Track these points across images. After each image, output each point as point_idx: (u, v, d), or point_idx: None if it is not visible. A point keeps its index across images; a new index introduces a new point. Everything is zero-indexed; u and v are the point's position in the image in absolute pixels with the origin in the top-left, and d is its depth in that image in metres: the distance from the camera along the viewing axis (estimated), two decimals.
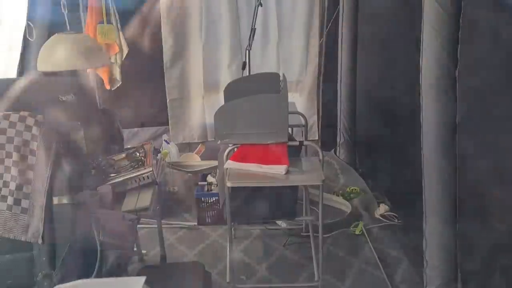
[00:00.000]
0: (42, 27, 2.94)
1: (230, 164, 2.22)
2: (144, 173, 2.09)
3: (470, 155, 1.84)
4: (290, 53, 3.77)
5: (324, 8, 3.66)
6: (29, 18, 3.05)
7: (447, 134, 1.85)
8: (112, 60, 3.75)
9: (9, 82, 2.25)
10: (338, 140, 3.92)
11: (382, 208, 3.14)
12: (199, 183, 3.28)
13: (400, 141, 2.89)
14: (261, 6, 3.01)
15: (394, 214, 3.07)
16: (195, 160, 3.64)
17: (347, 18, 3.51)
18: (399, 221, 3.00)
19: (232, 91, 2.68)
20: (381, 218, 3.09)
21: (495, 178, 1.67)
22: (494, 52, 1.61)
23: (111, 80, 3.76)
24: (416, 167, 2.14)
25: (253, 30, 3.08)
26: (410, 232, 2.74)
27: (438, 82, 1.78)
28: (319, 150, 2.32)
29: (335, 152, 3.97)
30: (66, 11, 2.57)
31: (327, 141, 3.97)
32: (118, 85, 3.73)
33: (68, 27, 2.53)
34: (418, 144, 2.06)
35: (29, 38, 2.88)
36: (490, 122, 1.69)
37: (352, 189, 3.42)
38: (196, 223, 3.11)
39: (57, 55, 2.28)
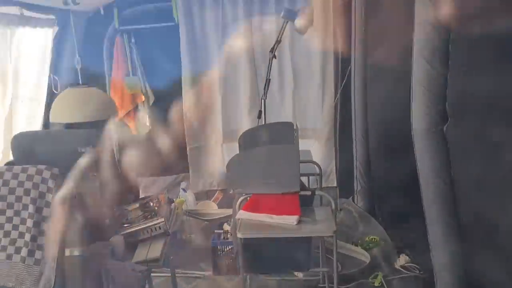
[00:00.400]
0: (67, 80, 3.09)
1: (241, 214, 2.22)
2: (156, 224, 2.11)
3: (468, 204, 1.81)
4: (306, 102, 3.83)
5: (338, 59, 3.73)
6: (54, 71, 3.24)
7: (441, 183, 1.83)
8: (140, 108, 3.98)
9: (31, 135, 2.37)
10: (355, 187, 3.88)
11: (403, 259, 3.05)
12: (216, 231, 3.27)
13: (418, 189, 2.85)
14: (276, 58, 3.11)
15: (416, 266, 2.97)
16: (212, 208, 3.65)
17: (359, 71, 3.56)
18: (421, 273, 2.90)
19: (247, 140, 2.73)
20: (401, 269, 2.99)
21: (495, 226, 1.64)
22: (482, 109, 1.61)
23: (141, 125, 3.97)
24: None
25: (268, 81, 3.17)
26: (432, 284, 2.64)
27: (428, 135, 1.79)
28: (331, 200, 2.30)
29: (353, 200, 3.92)
30: (80, 66, 2.73)
31: (346, 188, 3.94)
32: (148, 130, 3.94)
33: (80, 81, 2.69)
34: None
35: (54, 91, 3.04)
36: (482, 174, 1.68)
37: (371, 238, 3.35)
38: (211, 272, 3.08)
39: (67, 107, 2.40)
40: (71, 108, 2.37)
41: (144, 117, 4.00)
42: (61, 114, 2.38)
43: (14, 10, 2.72)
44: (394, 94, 3.04)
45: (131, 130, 3.92)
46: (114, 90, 3.90)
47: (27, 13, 2.82)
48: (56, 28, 3.24)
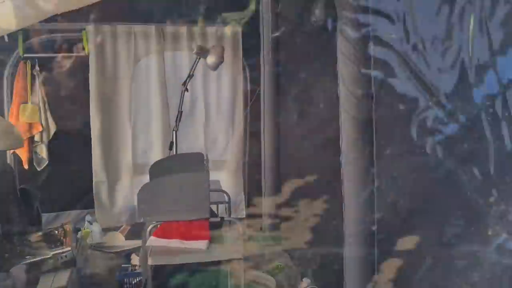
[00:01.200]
0: None
1: (152, 240, 2.24)
2: (61, 253, 2.05)
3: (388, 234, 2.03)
4: (216, 134, 3.97)
5: (247, 90, 3.96)
6: None
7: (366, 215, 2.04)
8: (37, 138, 3.75)
9: None
10: (263, 217, 4.05)
11: (305, 282, 3.23)
12: (123, 264, 3.20)
13: (321, 217, 3.11)
14: (187, 91, 3.24)
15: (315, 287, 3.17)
16: (119, 240, 3.56)
17: (268, 100, 3.82)
18: None
19: (157, 170, 2.78)
20: None
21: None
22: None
23: (37, 159, 3.74)
24: (337, 241, 2.34)
25: (180, 113, 3.27)
26: None
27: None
28: (239, 226, 2.42)
29: (261, 229, 4.07)
30: None
31: (255, 218, 4.08)
32: (45, 165, 3.73)
33: None
34: (338, 221, 2.25)
35: None
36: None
37: (277, 265, 3.49)
38: None
39: None
40: None
41: (42, 150, 3.78)
42: None
43: None
44: (305, 125, 3.32)
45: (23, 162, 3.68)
46: (11, 118, 3.70)
47: None
48: None
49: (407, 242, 1.80)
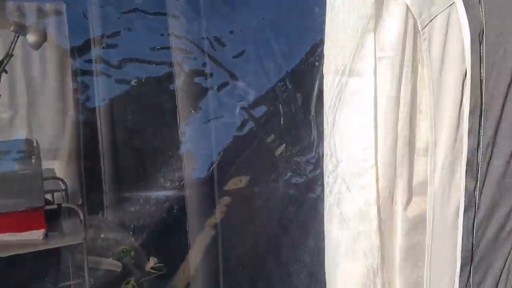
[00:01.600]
0: None
1: None
2: None
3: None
4: (44, 119, 3.68)
5: (77, 71, 3.75)
6: None
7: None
8: None
9: None
10: (104, 202, 3.95)
11: (152, 262, 3.29)
12: None
13: (163, 198, 3.22)
14: (6, 73, 2.93)
15: (163, 264, 3.26)
16: None
17: (102, 83, 3.70)
18: (166, 271, 3.21)
19: None
20: (151, 270, 3.22)
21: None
22: None
23: None
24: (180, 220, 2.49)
25: None
26: (175, 276, 3.01)
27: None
28: (79, 211, 2.35)
29: (102, 215, 3.96)
30: None
31: (95, 205, 3.94)
32: None
33: None
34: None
35: None
36: None
37: (123, 249, 3.47)
38: None
39: None
40: None
41: None
42: None
43: None
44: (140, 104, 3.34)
45: None
46: None
47: None
48: None
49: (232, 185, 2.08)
